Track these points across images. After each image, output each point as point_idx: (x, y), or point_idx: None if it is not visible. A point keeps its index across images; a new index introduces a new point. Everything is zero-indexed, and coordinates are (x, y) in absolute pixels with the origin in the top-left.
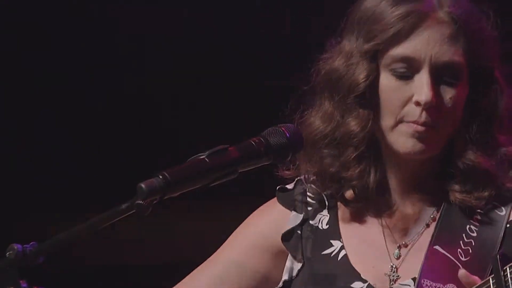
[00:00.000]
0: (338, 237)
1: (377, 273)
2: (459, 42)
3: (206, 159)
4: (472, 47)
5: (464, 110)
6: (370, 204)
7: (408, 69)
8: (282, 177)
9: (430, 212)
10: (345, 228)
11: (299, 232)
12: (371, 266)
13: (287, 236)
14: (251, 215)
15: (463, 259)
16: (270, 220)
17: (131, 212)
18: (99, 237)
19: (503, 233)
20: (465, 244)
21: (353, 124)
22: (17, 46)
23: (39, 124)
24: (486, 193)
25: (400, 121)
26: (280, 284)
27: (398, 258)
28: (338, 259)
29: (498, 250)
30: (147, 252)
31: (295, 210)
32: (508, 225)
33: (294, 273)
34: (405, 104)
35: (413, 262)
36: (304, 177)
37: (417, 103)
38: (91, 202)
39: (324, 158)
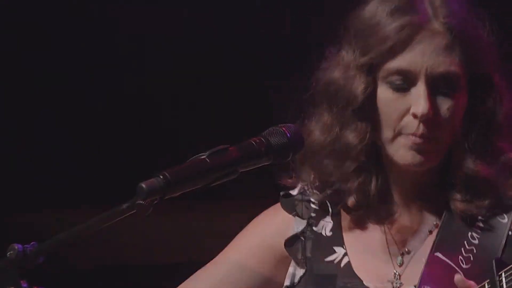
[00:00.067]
0: (341, 244)
1: (380, 280)
2: (455, 52)
3: (207, 159)
4: (468, 56)
5: (464, 119)
6: (373, 211)
7: (404, 82)
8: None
9: (433, 219)
10: (348, 235)
11: (302, 238)
12: (374, 273)
13: (290, 242)
14: (254, 219)
15: (464, 266)
16: (274, 225)
17: (132, 212)
18: (100, 237)
19: (505, 241)
20: (467, 251)
21: (351, 137)
22: (17, 46)
23: (39, 124)
24: (487, 202)
25: (398, 133)
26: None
27: (401, 265)
28: (341, 266)
29: (500, 257)
30: (147, 252)
31: (298, 216)
32: (510, 233)
33: (296, 279)
34: (403, 116)
35: (415, 269)
36: (307, 183)
37: (414, 116)
38: (91, 202)
39: (325, 168)
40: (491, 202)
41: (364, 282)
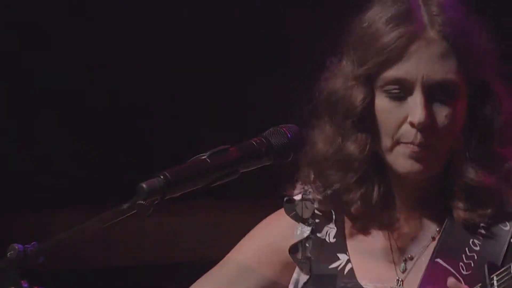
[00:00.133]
0: (345, 250)
1: (383, 286)
2: (452, 60)
3: (207, 159)
4: (466, 63)
5: (464, 127)
6: (376, 218)
7: (401, 90)
8: (283, 177)
9: (435, 226)
10: (351, 242)
11: (306, 245)
12: (377, 280)
13: (294, 249)
14: (260, 223)
15: (464, 272)
16: (279, 230)
17: (132, 212)
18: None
19: (506, 248)
20: (468, 257)
21: (352, 148)
22: (17, 46)
23: (39, 124)
24: (489, 211)
25: (397, 142)
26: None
27: (404, 272)
28: (344, 273)
29: (501, 265)
30: (147, 252)
31: (301, 222)
32: None
33: (300, 286)
34: (401, 125)
35: (418, 275)
36: (311, 189)
37: (412, 124)
38: (91, 202)
39: (329, 178)
40: (494, 211)
41: (366, 287)
